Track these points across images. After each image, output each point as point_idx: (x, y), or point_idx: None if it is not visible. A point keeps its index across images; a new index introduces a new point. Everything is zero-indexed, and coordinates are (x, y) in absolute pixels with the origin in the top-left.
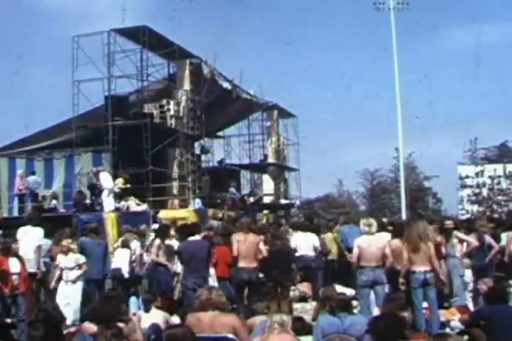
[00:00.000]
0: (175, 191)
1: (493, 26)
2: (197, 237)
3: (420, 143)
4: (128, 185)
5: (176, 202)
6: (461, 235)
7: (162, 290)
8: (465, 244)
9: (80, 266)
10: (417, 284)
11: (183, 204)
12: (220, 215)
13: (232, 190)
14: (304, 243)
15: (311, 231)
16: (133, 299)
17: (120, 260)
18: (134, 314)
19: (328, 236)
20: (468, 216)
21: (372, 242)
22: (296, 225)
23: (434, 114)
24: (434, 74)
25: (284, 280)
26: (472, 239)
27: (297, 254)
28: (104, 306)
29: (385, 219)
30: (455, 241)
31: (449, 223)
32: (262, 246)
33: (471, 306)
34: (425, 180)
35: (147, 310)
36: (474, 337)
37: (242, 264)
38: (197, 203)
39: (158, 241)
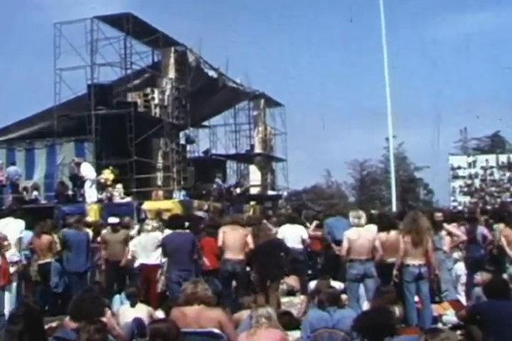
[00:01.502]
0: (159, 182)
1: (483, 12)
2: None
3: (410, 133)
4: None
5: (161, 193)
6: (450, 228)
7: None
8: (455, 237)
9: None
10: (410, 278)
11: (168, 196)
12: (206, 207)
13: (218, 180)
14: (291, 235)
15: (301, 223)
16: (116, 296)
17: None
18: (113, 314)
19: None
20: (460, 208)
21: (361, 235)
22: (284, 217)
23: (424, 103)
24: (424, 61)
25: (273, 272)
26: (460, 232)
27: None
28: (85, 302)
29: (375, 211)
30: (443, 233)
31: (438, 215)
32: (249, 238)
33: (463, 300)
34: (416, 171)
35: (133, 304)
36: (469, 333)
37: (227, 255)
38: (182, 194)
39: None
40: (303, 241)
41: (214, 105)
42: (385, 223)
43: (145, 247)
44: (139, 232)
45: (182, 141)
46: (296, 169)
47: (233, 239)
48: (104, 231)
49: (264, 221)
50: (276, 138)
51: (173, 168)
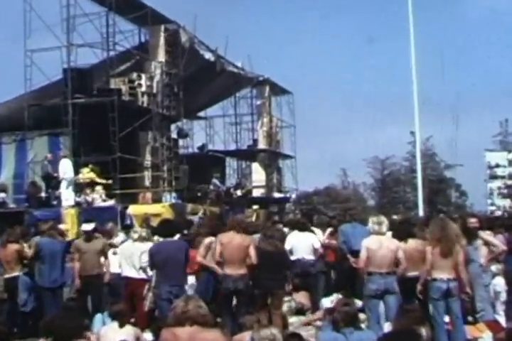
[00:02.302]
0: (147, 182)
1: None
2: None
3: (440, 126)
4: (100, 180)
5: (149, 195)
6: (487, 236)
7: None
8: (493, 248)
9: None
10: (438, 294)
11: (157, 198)
12: (201, 211)
13: (216, 181)
14: (301, 244)
15: (311, 230)
16: (98, 315)
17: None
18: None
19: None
20: (498, 212)
21: (383, 244)
22: (292, 223)
23: (457, 91)
24: (454, 45)
25: (275, 287)
26: (499, 242)
27: (293, 258)
28: (63, 320)
29: (397, 217)
30: (479, 243)
31: (472, 221)
32: (252, 249)
33: (502, 321)
34: (446, 170)
35: (121, 324)
36: None
37: (227, 271)
38: (173, 197)
39: (209, 239)
40: (314, 252)
41: (211, 93)
42: (401, 231)
43: (130, 258)
44: (124, 241)
45: (174, 135)
46: (306, 167)
47: (232, 251)
48: (77, 241)
49: (281, 225)
50: (283, 131)
51: (163, 166)
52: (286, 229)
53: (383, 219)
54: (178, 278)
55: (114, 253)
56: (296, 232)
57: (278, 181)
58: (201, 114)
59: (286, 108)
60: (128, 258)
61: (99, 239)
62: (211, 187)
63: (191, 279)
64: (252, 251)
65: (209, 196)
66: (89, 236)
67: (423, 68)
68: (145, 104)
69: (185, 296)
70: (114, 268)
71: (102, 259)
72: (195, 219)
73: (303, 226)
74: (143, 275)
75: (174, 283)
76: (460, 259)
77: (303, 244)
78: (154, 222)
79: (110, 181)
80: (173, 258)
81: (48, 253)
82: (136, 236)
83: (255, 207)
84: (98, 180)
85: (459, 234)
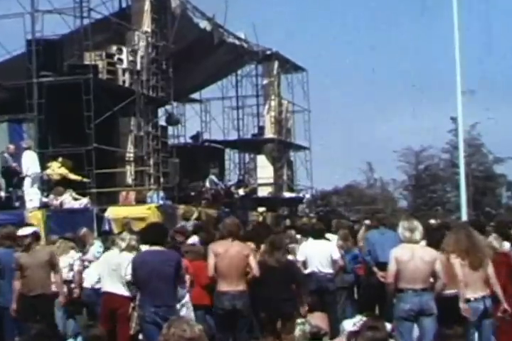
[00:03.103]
0: (129, 179)
1: None
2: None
3: (488, 111)
4: (74, 177)
5: (131, 195)
6: None
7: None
8: None
9: None
10: (474, 316)
11: (141, 199)
12: (195, 215)
13: (213, 177)
14: (316, 255)
15: (327, 238)
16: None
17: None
18: None
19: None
20: None
21: (416, 254)
22: (306, 229)
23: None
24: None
25: (284, 308)
26: None
27: (307, 271)
28: None
29: (435, 221)
30: None
31: None
32: (252, 260)
33: None
34: (496, 164)
35: None
36: None
37: (222, 287)
38: (161, 197)
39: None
40: (333, 264)
41: (207, 70)
42: (436, 238)
43: (116, 270)
44: (105, 249)
45: (162, 122)
46: (323, 161)
47: (229, 264)
48: (17, 253)
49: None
50: (295, 117)
51: (148, 159)
52: (298, 237)
53: (416, 224)
54: (165, 297)
55: (85, 267)
56: (310, 240)
57: (289, 178)
58: (195, 95)
59: (299, 88)
60: (113, 270)
61: (44, 248)
62: (207, 185)
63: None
64: (253, 262)
65: (205, 196)
66: (28, 246)
67: (468, 46)
68: (127, 84)
69: (174, 318)
70: (88, 283)
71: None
72: (188, 225)
73: (319, 233)
74: (127, 292)
75: (160, 302)
76: (491, 271)
77: (319, 255)
78: (137, 228)
79: (86, 179)
80: (159, 272)
81: (6, 267)
82: (124, 244)
83: (261, 209)
84: (72, 176)
85: (486, 245)
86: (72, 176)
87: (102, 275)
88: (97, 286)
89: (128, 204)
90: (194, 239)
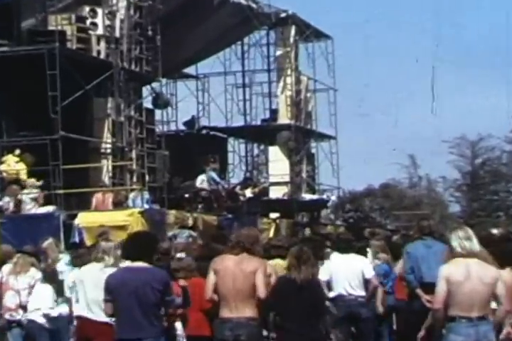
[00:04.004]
0: (105, 177)
1: None
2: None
3: None
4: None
5: (108, 197)
6: None
7: None
8: None
9: None
10: None
11: (121, 202)
12: (190, 222)
13: (213, 174)
14: (344, 273)
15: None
16: None
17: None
18: None
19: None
20: None
21: (473, 272)
22: (331, 241)
23: None
24: None
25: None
26: None
27: (332, 294)
28: None
29: (498, 230)
30: None
31: None
32: (259, 277)
33: None
34: None
35: None
36: None
37: (224, 313)
38: (146, 200)
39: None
40: (366, 284)
41: (205, 38)
42: (500, 253)
43: (94, 291)
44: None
45: (147, 104)
46: (353, 154)
47: (232, 282)
48: None
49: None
50: (317, 97)
51: (130, 151)
52: None
53: (471, 233)
54: (145, 327)
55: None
56: (336, 255)
57: (309, 175)
58: (190, 70)
59: (323, 61)
60: (92, 290)
61: None
62: (205, 184)
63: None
64: (259, 279)
65: (202, 198)
66: None
67: None
68: (102, 55)
69: None
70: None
71: None
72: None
73: (347, 245)
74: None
75: (137, 335)
76: None
77: (347, 273)
78: (117, 238)
79: (39, 183)
80: (140, 296)
81: None
82: (111, 260)
83: (274, 215)
84: (23, 176)
85: None
86: (24, 175)
87: (77, 297)
88: (61, 311)
89: (104, 209)
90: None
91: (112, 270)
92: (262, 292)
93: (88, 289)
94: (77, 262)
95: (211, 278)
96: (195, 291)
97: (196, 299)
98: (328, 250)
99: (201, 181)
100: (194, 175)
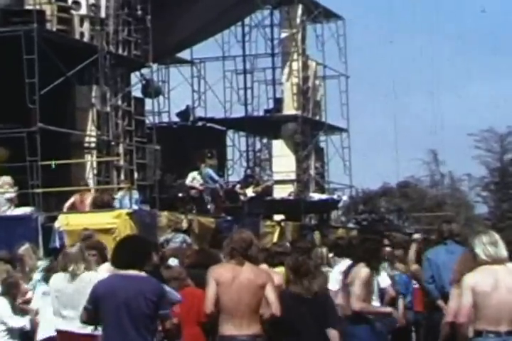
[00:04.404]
0: (89, 175)
1: None
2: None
3: None
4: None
5: (91, 196)
6: None
7: None
8: None
9: None
10: None
11: (106, 202)
12: (185, 224)
13: (210, 172)
14: None
15: None
16: None
17: None
18: None
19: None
20: None
21: (502, 282)
22: (343, 246)
23: None
24: None
25: None
26: None
27: None
28: None
29: None
30: None
31: None
32: (272, 295)
33: None
34: None
35: None
36: None
37: (226, 330)
38: (135, 200)
39: (367, 270)
40: (382, 295)
41: (201, 18)
42: None
43: (71, 301)
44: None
45: (137, 92)
46: (367, 148)
47: (237, 296)
48: None
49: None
50: (327, 85)
51: (117, 146)
52: (331, 256)
53: (497, 238)
54: None
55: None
56: (347, 262)
57: (318, 172)
58: (184, 54)
59: (333, 45)
60: (68, 301)
61: None
62: (200, 182)
63: None
64: (271, 294)
65: (191, 198)
66: None
67: None
68: (86, 38)
69: None
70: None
71: None
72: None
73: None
74: (87, 330)
75: None
76: None
77: None
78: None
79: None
80: (131, 307)
81: None
82: (81, 267)
83: (278, 217)
84: None
85: None
86: None
87: (58, 310)
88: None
89: (88, 210)
90: (174, 261)
91: (87, 276)
92: (276, 308)
93: (68, 298)
94: (49, 277)
95: (212, 290)
96: (193, 303)
97: (193, 311)
98: (330, 254)
99: (192, 179)
100: (188, 172)
